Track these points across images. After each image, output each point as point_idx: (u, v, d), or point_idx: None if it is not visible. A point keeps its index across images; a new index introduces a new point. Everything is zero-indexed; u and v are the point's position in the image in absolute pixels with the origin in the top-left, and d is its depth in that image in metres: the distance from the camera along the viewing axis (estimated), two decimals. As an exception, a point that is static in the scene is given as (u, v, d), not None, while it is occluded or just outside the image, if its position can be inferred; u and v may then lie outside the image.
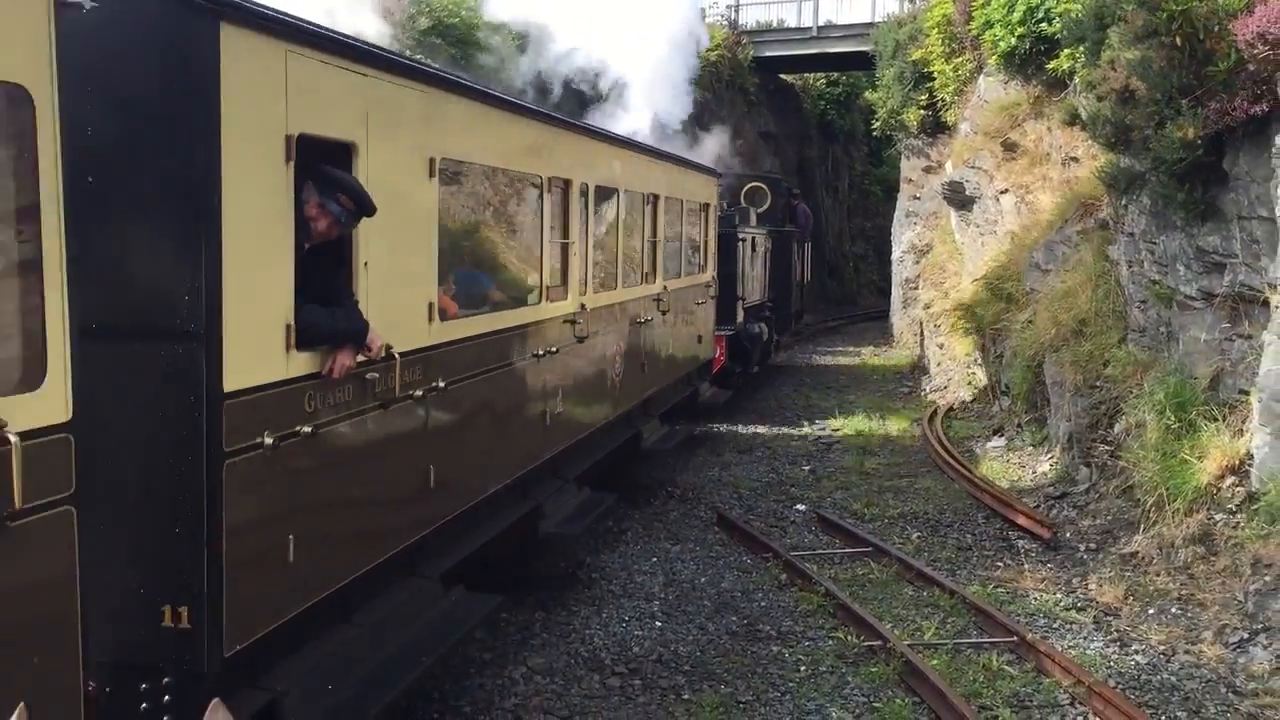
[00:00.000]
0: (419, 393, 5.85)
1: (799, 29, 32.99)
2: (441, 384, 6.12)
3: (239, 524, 4.41)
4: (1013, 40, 18.77)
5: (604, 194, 9.68)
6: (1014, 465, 13.61)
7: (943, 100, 24.63)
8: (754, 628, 8.36)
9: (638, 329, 10.97)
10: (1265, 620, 7.86)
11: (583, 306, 8.93)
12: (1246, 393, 9.33)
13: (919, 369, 22.30)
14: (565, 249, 8.55)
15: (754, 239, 18.51)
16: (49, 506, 3.51)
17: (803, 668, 7.63)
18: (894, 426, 16.59)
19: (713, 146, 21.83)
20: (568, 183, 8.51)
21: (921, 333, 23.30)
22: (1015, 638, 7.92)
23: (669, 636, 8.14)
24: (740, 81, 30.45)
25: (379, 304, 5.42)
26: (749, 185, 21.15)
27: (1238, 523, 8.82)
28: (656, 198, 11.69)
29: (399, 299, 5.70)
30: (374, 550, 5.63)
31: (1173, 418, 9.82)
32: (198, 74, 4.16)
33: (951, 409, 17.60)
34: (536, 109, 8.47)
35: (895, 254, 28.70)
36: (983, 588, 9.23)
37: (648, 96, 18.16)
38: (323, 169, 5.03)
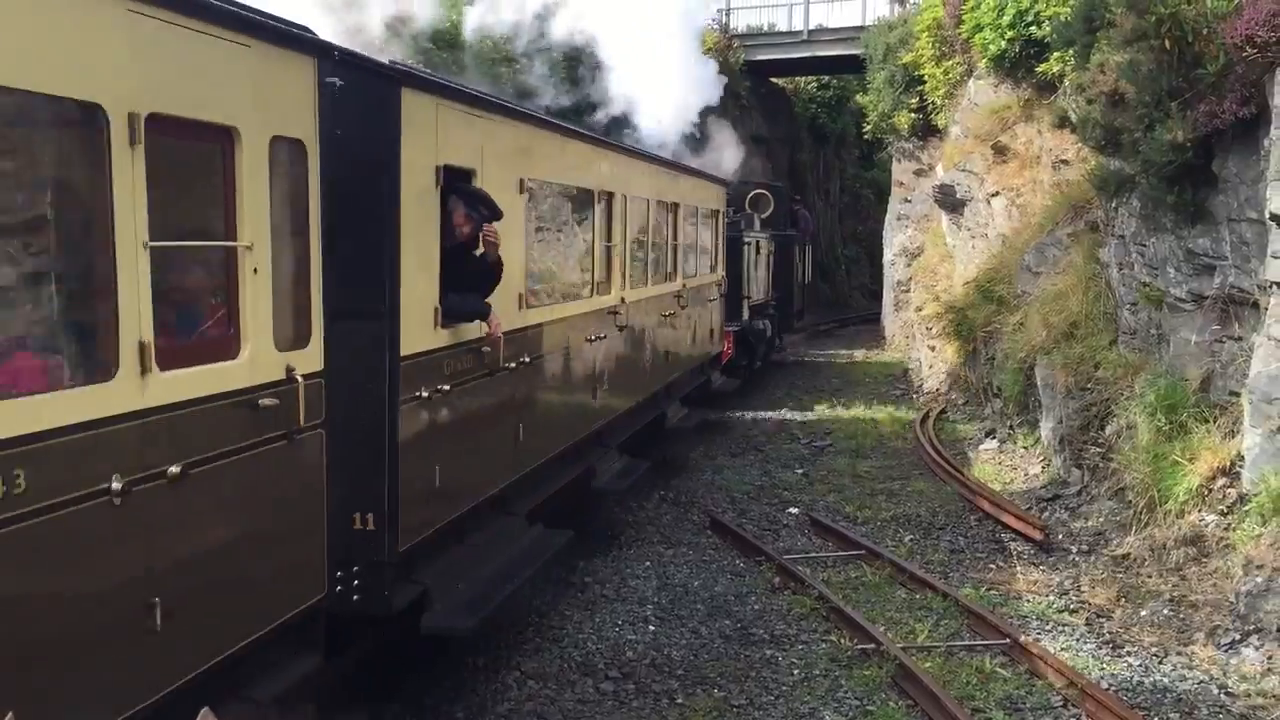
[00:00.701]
0: (513, 365, 7.43)
1: (790, 33, 33.02)
2: (527, 359, 7.73)
3: (408, 454, 5.96)
4: (1002, 44, 18.81)
5: (638, 203, 11.21)
6: (1006, 467, 13.64)
7: (933, 103, 24.67)
8: (747, 631, 8.36)
9: (663, 321, 12.52)
10: (1257, 621, 7.87)
11: (623, 300, 10.41)
12: (1237, 394, 9.35)
13: (911, 372, 22.34)
14: (609, 250, 10.11)
15: (758, 242, 19.77)
16: (313, 428, 5.08)
17: (796, 671, 7.63)
18: (886, 429, 16.61)
19: (715, 154, 22.38)
20: (611, 194, 10.13)
21: (914, 335, 23.35)
22: (1008, 640, 7.93)
23: (662, 641, 8.14)
24: (731, 85, 30.46)
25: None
26: (754, 192, 22.22)
27: (1229, 524, 8.84)
28: (677, 205, 13.22)
29: (502, 289, 7.01)
30: (484, 486, 7.22)
31: (1163, 419, 9.84)
32: (388, 124, 5.78)
33: (944, 411, 17.62)
34: (591, 134, 10.40)
35: (887, 257, 28.75)
36: (975, 590, 9.24)
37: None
38: (467, 187, 6.59)
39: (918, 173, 27.41)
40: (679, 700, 7.16)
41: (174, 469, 4.12)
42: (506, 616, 8.04)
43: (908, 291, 25.57)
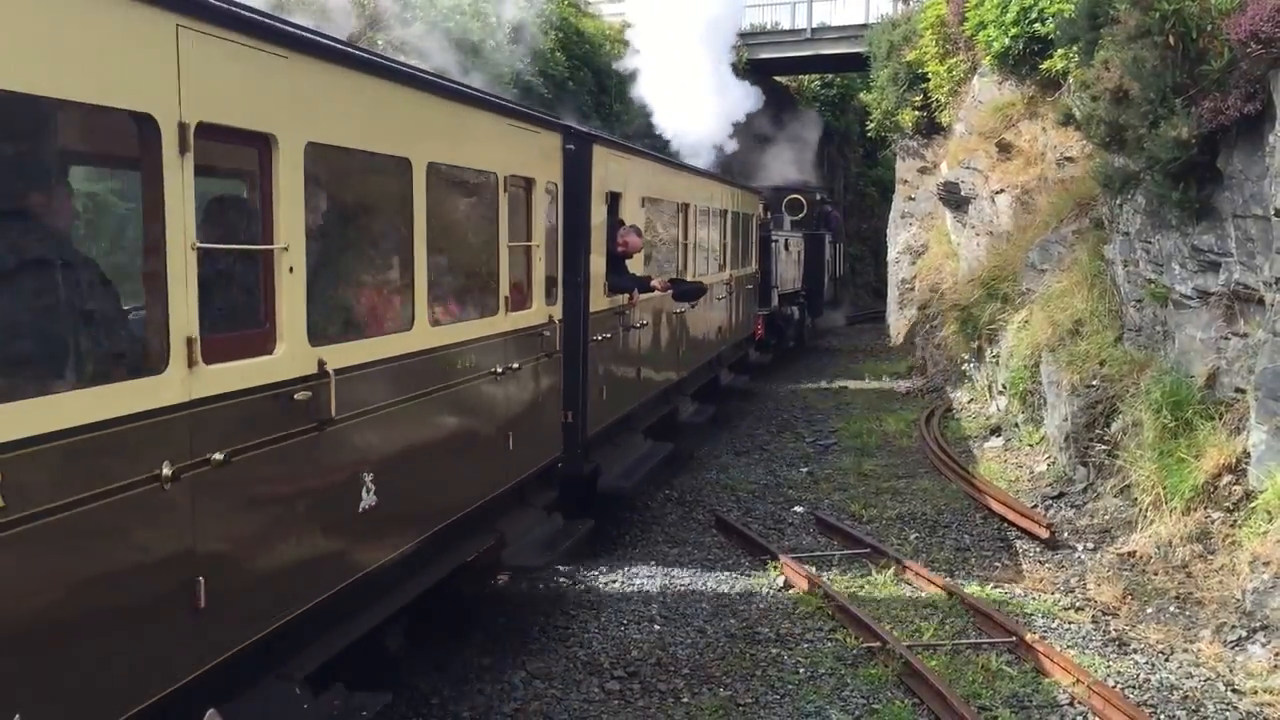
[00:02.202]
0: (638, 324, 11.06)
1: (793, 31, 33.03)
2: (647, 321, 11.45)
3: (592, 375, 9.54)
4: (1006, 41, 18.78)
5: (702, 210, 14.78)
6: (1011, 465, 13.61)
7: (937, 101, 24.65)
8: (753, 630, 8.35)
9: (719, 302, 15.96)
10: (1263, 618, 7.86)
11: None
12: (1243, 391, 9.33)
13: (916, 370, 22.30)
14: (686, 245, 13.81)
15: (786, 240, 23.21)
16: (558, 353, 8.46)
17: (802, 670, 7.63)
18: (891, 427, 16.59)
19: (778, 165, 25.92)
20: (688, 205, 13.82)
21: (918, 333, 23.32)
22: (1014, 638, 7.92)
23: (668, 640, 8.14)
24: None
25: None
26: (789, 197, 25.44)
27: (1235, 521, 8.82)
28: (726, 211, 16.64)
29: (632, 269, 10.62)
30: (624, 405, 10.92)
31: (1169, 417, 9.82)
32: (585, 167, 9.35)
33: (949, 409, 17.60)
34: (680, 162, 15.31)
35: (891, 255, 28.73)
36: (981, 588, 9.23)
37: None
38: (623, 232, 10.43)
39: (922, 170, 27.38)
40: (685, 699, 7.16)
41: (515, 365, 7.38)
42: (642, 488, 11.48)
43: (912, 289, 25.55)
